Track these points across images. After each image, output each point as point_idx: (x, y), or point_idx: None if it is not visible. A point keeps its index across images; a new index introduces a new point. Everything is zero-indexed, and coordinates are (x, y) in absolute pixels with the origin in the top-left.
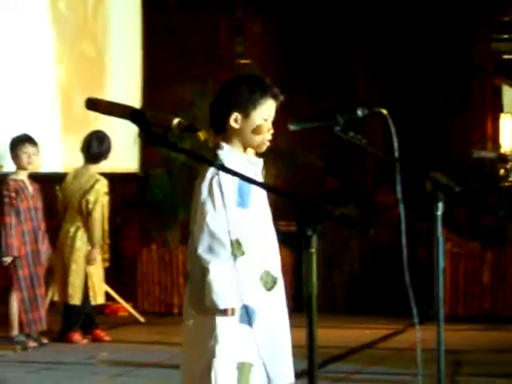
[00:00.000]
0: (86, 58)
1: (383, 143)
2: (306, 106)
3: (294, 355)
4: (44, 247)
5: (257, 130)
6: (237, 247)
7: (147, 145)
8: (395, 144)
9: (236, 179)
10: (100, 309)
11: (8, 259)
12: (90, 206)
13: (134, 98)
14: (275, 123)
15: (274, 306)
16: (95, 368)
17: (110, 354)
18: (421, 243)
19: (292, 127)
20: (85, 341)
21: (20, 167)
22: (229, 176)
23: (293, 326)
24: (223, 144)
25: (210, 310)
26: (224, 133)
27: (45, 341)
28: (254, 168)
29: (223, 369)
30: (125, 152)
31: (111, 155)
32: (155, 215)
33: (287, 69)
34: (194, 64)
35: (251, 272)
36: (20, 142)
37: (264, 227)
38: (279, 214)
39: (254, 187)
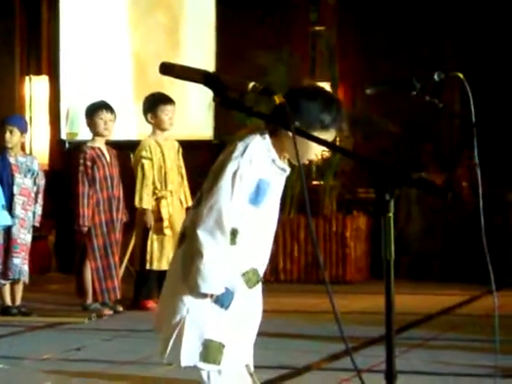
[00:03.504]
0: (161, 27)
1: (461, 109)
2: (383, 72)
3: (371, 321)
4: (119, 215)
5: (307, 150)
6: (231, 237)
7: (221, 111)
8: (472, 108)
9: (258, 176)
10: None
11: (84, 228)
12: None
13: (208, 66)
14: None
15: (252, 296)
16: None
17: None
18: (496, 209)
19: (368, 91)
20: None
21: (96, 134)
22: (252, 172)
23: (370, 292)
24: (267, 136)
25: (191, 288)
26: (275, 132)
27: (120, 309)
28: (280, 173)
29: (189, 342)
30: (199, 119)
31: (185, 122)
32: None
33: (364, 36)
34: (268, 32)
35: (237, 264)
36: (97, 109)
37: (267, 227)
38: (358, 181)
39: (272, 186)
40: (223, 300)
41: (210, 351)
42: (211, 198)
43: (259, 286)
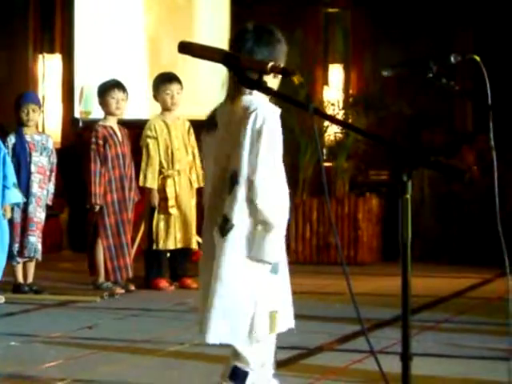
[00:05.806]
0: (175, 7)
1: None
2: (397, 55)
3: (383, 303)
4: (131, 194)
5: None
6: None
7: None
8: (488, 91)
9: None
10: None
11: (96, 207)
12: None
13: (222, 47)
14: (367, 72)
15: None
16: (183, 315)
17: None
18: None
19: (385, 73)
20: (172, 288)
21: (108, 113)
22: (277, 122)
23: (381, 274)
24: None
25: (259, 260)
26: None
27: (132, 287)
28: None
29: (261, 317)
30: (212, 98)
31: (198, 101)
32: None
33: (378, 18)
34: (282, 13)
35: None
36: (108, 88)
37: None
38: (371, 163)
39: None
40: (276, 266)
41: (273, 321)
42: (261, 149)
43: None
